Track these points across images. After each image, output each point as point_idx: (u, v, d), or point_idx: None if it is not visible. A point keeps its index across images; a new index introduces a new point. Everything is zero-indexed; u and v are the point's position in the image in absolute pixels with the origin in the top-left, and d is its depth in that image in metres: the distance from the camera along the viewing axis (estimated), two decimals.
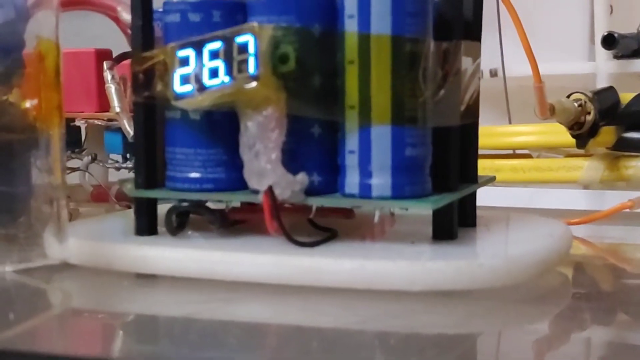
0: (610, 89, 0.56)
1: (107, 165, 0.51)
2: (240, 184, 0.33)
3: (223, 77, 0.32)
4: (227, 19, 0.33)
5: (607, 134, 0.56)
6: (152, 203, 0.35)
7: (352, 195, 0.32)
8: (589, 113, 0.52)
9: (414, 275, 0.29)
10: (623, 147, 0.56)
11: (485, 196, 0.55)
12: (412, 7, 0.31)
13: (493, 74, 0.66)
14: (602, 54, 0.60)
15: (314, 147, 0.33)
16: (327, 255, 0.31)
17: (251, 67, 0.31)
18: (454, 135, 0.33)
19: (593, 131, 0.53)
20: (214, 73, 0.32)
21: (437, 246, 0.32)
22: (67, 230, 0.34)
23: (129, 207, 0.46)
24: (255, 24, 0.32)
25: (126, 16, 0.37)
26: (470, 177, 0.36)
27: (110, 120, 0.50)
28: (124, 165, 0.50)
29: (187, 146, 0.34)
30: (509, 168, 0.61)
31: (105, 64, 0.48)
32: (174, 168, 0.34)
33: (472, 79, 0.35)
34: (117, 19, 0.39)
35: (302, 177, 0.32)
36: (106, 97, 0.48)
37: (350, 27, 0.31)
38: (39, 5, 0.37)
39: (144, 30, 0.34)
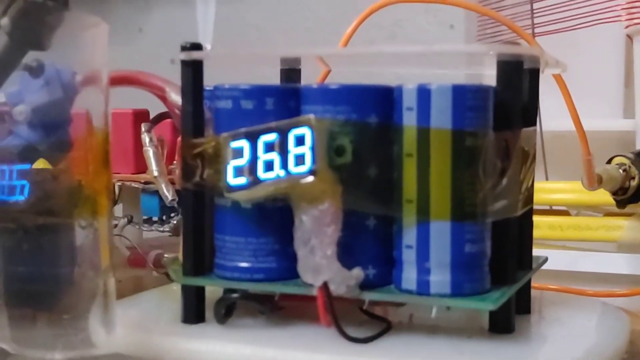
0: None
1: (144, 229, 0.50)
2: (290, 273, 0.32)
3: (278, 171, 0.31)
4: (280, 107, 0.32)
5: None
6: (201, 290, 0.34)
7: (409, 291, 0.31)
8: (634, 178, 0.51)
9: None
10: None
11: None
12: (473, 102, 0.30)
13: None
14: None
15: (369, 240, 0.32)
16: (384, 355, 0.30)
17: (308, 161, 0.30)
18: (513, 227, 0.32)
19: (637, 195, 0.52)
20: (269, 166, 0.31)
21: (494, 342, 0.31)
22: (115, 317, 0.33)
23: (167, 275, 0.45)
24: (312, 116, 0.31)
25: (175, 97, 0.37)
26: (525, 263, 0.35)
27: (147, 182, 0.49)
28: (161, 228, 0.50)
29: (238, 235, 0.33)
30: (547, 225, 0.60)
31: (143, 127, 0.47)
32: (224, 256, 0.33)
33: (529, 166, 0.34)
34: (164, 99, 0.38)
35: (357, 273, 0.31)
36: (143, 159, 0.47)
37: (409, 120, 0.31)
38: (87, 83, 0.36)
39: (194, 116, 0.33)
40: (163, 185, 0.46)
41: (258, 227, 0.33)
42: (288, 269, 0.32)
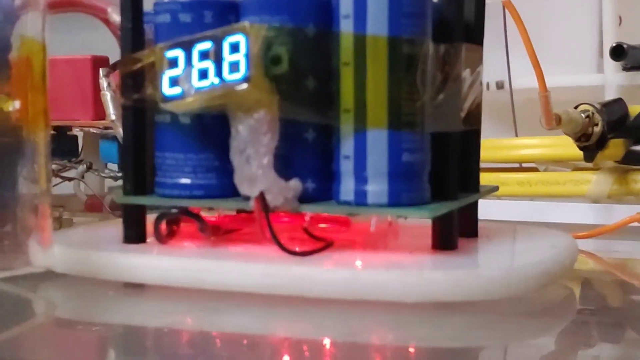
0: (619, 101, 0.55)
1: (103, 175, 0.50)
2: (232, 191, 0.32)
3: (213, 79, 0.30)
4: (218, 20, 0.32)
5: (616, 147, 0.55)
6: (141, 210, 0.33)
7: (347, 203, 0.31)
8: (597, 125, 0.51)
9: (409, 286, 0.28)
10: (632, 160, 0.55)
11: (489, 209, 0.54)
12: (410, 7, 0.30)
13: (499, 86, 0.65)
14: (611, 65, 0.59)
15: (307, 153, 0.31)
16: (319, 264, 0.30)
17: (242, 68, 0.30)
18: (454, 142, 0.32)
19: (601, 143, 0.51)
20: (203, 74, 0.31)
21: (435, 256, 0.31)
22: (52, 237, 0.33)
23: None
24: (246, 23, 0.30)
25: (116, 18, 0.36)
26: (471, 186, 0.35)
27: (106, 128, 0.49)
28: (120, 174, 0.49)
29: (177, 151, 0.32)
30: (515, 182, 0.60)
31: (101, 71, 0.47)
32: (164, 174, 0.33)
33: (473, 85, 0.34)
34: (107, 21, 0.38)
35: (295, 184, 0.31)
36: (102, 106, 0.47)
37: (346, 27, 0.30)
38: (25, 6, 0.36)
39: (133, 32, 0.33)
40: (121, 129, 0.46)
41: (197, 142, 0.32)
42: (229, 186, 0.32)
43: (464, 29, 0.32)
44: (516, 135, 0.64)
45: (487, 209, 0.54)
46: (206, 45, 0.31)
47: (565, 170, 0.59)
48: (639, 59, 0.58)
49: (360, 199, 0.30)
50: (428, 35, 0.31)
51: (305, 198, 0.31)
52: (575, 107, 0.52)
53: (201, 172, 0.32)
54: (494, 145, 0.61)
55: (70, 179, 0.50)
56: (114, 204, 0.46)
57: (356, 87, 0.30)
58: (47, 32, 0.34)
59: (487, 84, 0.65)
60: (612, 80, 0.59)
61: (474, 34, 0.34)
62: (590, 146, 0.51)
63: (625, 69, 0.59)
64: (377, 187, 0.30)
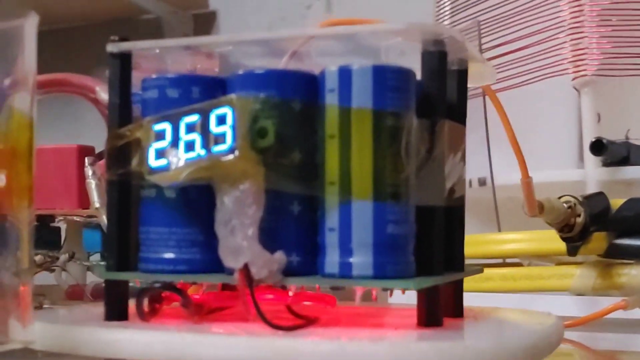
0: (600, 195, 0.55)
1: (85, 263, 0.49)
2: (216, 266, 0.32)
3: (199, 150, 0.31)
4: (206, 95, 0.32)
5: (598, 241, 0.55)
6: (124, 286, 0.33)
7: (332, 275, 0.31)
8: (579, 215, 0.51)
9: (396, 357, 0.28)
10: (615, 254, 0.55)
11: (474, 300, 0.54)
12: (394, 82, 0.31)
13: (482, 182, 0.66)
14: (591, 161, 0.60)
15: (293, 225, 0.31)
16: (305, 337, 0.29)
17: (228, 140, 0.30)
18: (438, 216, 0.32)
19: (583, 235, 0.52)
20: (190, 146, 0.31)
21: (421, 331, 0.31)
22: (32, 314, 0.32)
23: None
24: (233, 96, 0.31)
25: (104, 96, 0.37)
26: (456, 265, 0.35)
27: (89, 216, 0.49)
28: (103, 262, 0.49)
29: (162, 225, 0.32)
30: (499, 277, 0.60)
31: (86, 160, 0.47)
32: (148, 249, 0.33)
33: (457, 163, 0.34)
34: (96, 101, 0.38)
35: (280, 256, 0.31)
36: (86, 194, 0.47)
37: (331, 100, 0.31)
38: (15, 86, 0.36)
39: (120, 108, 0.33)
40: (104, 217, 0.46)
41: (182, 216, 0.32)
42: (212, 261, 0.32)
43: (446, 107, 0.33)
44: (499, 231, 0.64)
45: (472, 301, 0.54)
46: (193, 118, 0.31)
47: (549, 264, 0.59)
48: (618, 154, 0.59)
49: (345, 271, 0.30)
50: (412, 109, 0.31)
51: (290, 271, 0.31)
52: (558, 198, 0.52)
53: (185, 247, 0.32)
54: (477, 240, 0.61)
55: (51, 270, 0.50)
56: (96, 292, 0.46)
57: (341, 159, 0.30)
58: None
59: (470, 181, 0.66)
60: (592, 176, 0.60)
61: (456, 113, 0.35)
62: (574, 237, 0.51)
63: (605, 164, 0.60)
64: (362, 259, 0.30)
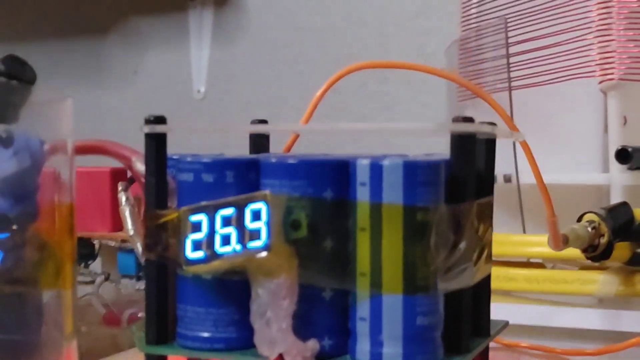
0: (624, 206, 0.56)
1: (120, 287, 0.51)
2: (250, 342, 0.33)
3: (235, 245, 0.32)
4: (240, 179, 0.33)
5: (622, 250, 0.56)
6: (163, 358, 0.35)
7: None
8: (603, 235, 0.52)
9: None
10: (638, 262, 0.56)
11: (500, 313, 0.55)
12: (424, 177, 0.31)
13: (507, 179, 0.66)
14: (617, 165, 0.60)
15: (325, 311, 0.33)
16: None
17: (263, 236, 0.31)
18: (467, 298, 0.33)
19: (607, 254, 0.52)
20: (225, 240, 0.32)
21: None
22: None
23: None
24: (267, 192, 0.32)
25: (140, 167, 0.38)
26: (482, 331, 0.36)
27: (124, 240, 0.50)
28: (137, 287, 0.51)
29: (199, 305, 0.34)
30: (523, 278, 0.61)
31: (119, 185, 0.48)
32: (185, 326, 0.34)
33: (485, 234, 0.35)
34: (131, 168, 0.39)
35: (312, 344, 0.32)
36: (120, 217, 0.48)
37: (362, 195, 0.31)
38: (54, 152, 0.37)
39: (157, 188, 0.34)
40: (139, 244, 0.47)
41: (218, 297, 0.33)
42: (248, 338, 0.33)
43: (475, 187, 0.33)
44: (523, 229, 0.65)
45: (498, 312, 0.56)
46: (229, 211, 0.32)
47: (572, 268, 0.60)
48: None
49: None
50: (441, 200, 0.32)
51: (322, 354, 0.32)
52: (580, 217, 0.53)
53: (222, 326, 0.33)
54: (502, 240, 0.62)
55: (87, 291, 0.52)
56: (132, 320, 0.48)
57: (372, 252, 0.31)
58: None
59: (495, 177, 0.66)
60: (617, 181, 0.60)
61: (485, 185, 0.36)
62: (597, 256, 0.52)
63: (631, 169, 0.60)
64: (392, 350, 0.31)
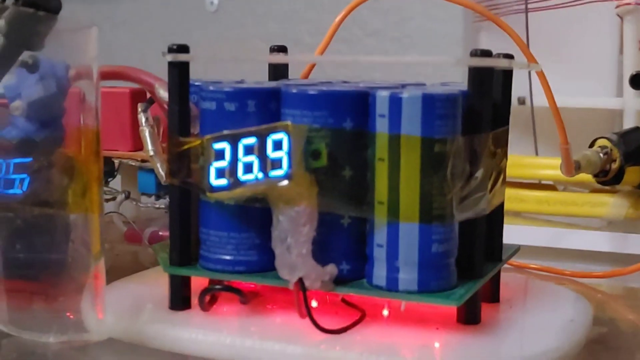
0: (636, 130, 0.56)
1: (140, 205, 0.52)
2: (270, 265, 0.34)
3: (257, 173, 0.33)
4: (261, 108, 0.34)
5: (633, 174, 0.57)
6: (186, 279, 0.36)
7: (379, 287, 0.33)
8: (615, 160, 0.52)
9: None
10: None
11: (510, 234, 0.56)
12: (442, 110, 0.32)
13: (521, 102, 0.67)
14: (630, 90, 0.60)
15: (343, 237, 0.34)
16: (354, 347, 0.32)
17: (284, 165, 0.32)
18: (481, 226, 0.34)
19: (618, 177, 0.53)
20: (248, 168, 0.33)
21: (459, 333, 0.33)
22: (105, 303, 0.35)
23: None
24: (289, 122, 0.32)
25: (163, 94, 0.38)
26: (495, 255, 0.37)
27: (143, 160, 0.51)
28: (157, 205, 0.52)
29: (221, 229, 0.35)
30: (534, 200, 0.62)
31: (139, 107, 0.49)
32: (208, 249, 0.35)
33: (500, 164, 0.36)
34: (153, 94, 0.40)
35: (331, 269, 0.33)
36: (140, 137, 0.49)
37: (382, 126, 0.32)
38: (79, 77, 0.38)
39: (180, 115, 0.35)
40: (158, 165, 0.48)
41: (240, 222, 0.35)
42: (268, 261, 0.34)
43: (492, 119, 0.34)
44: (536, 152, 0.66)
45: (509, 234, 0.57)
46: (251, 140, 0.33)
47: (583, 191, 0.61)
48: None
49: (392, 285, 0.33)
50: (459, 132, 0.33)
51: (340, 278, 0.34)
52: (592, 142, 0.54)
53: (243, 249, 0.35)
54: (514, 162, 0.63)
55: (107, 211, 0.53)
56: (153, 239, 0.49)
57: (390, 182, 0.32)
58: None
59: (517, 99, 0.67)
60: (631, 105, 0.60)
61: (501, 116, 0.36)
62: (608, 181, 0.53)
63: None
64: (408, 276, 0.33)
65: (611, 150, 0.53)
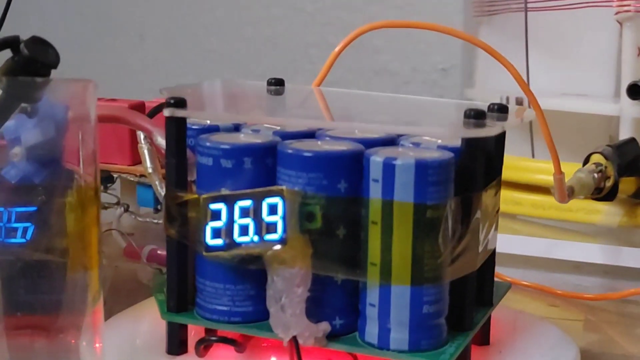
0: (632, 142, 0.57)
1: (139, 219, 0.53)
2: (265, 315, 0.35)
3: (252, 236, 0.33)
4: (257, 165, 0.35)
5: (628, 184, 0.57)
6: (183, 325, 0.37)
7: (371, 344, 0.34)
8: (609, 177, 0.53)
9: None
10: None
11: (504, 244, 0.57)
12: (434, 177, 0.32)
13: (519, 102, 0.67)
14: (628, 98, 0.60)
15: (337, 294, 0.35)
16: None
17: (279, 230, 0.33)
18: (471, 281, 0.35)
19: (612, 194, 0.54)
20: (244, 230, 0.33)
21: None
22: (103, 349, 0.36)
23: (160, 271, 0.48)
24: (284, 188, 0.33)
25: (160, 141, 0.39)
26: (485, 299, 0.38)
27: (142, 175, 0.52)
28: (155, 221, 0.52)
29: (217, 281, 0.36)
30: (529, 203, 0.63)
31: None
32: (204, 298, 0.36)
33: (492, 217, 0.36)
34: (152, 141, 0.40)
35: (324, 326, 0.34)
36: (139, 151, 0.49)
37: (375, 191, 0.33)
38: (77, 120, 0.38)
39: (177, 169, 0.35)
40: (157, 182, 0.48)
41: (236, 275, 0.35)
42: (263, 311, 0.35)
43: (484, 178, 0.35)
44: (532, 154, 0.66)
45: (502, 243, 0.58)
46: (246, 202, 0.33)
47: (578, 197, 0.62)
48: None
49: (383, 344, 0.34)
50: (451, 195, 0.33)
51: (333, 333, 0.34)
52: (587, 158, 0.54)
53: (239, 301, 0.35)
54: (511, 164, 0.63)
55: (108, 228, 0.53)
56: (151, 257, 0.50)
57: (382, 245, 0.33)
58: None
59: (507, 99, 0.67)
60: (628, 113, 0.61)
61: (494, 172, 0.37)
62: (601, 198, 0.54)
63: None
64: (398, 336, 0.33)
65: (605, 167, 0.53)
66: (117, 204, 0.53)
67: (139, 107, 0.52)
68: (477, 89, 0.73)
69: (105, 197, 0.56)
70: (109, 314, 0.43)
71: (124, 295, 0.49)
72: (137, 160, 0.52)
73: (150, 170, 0.48)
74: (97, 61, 1.03)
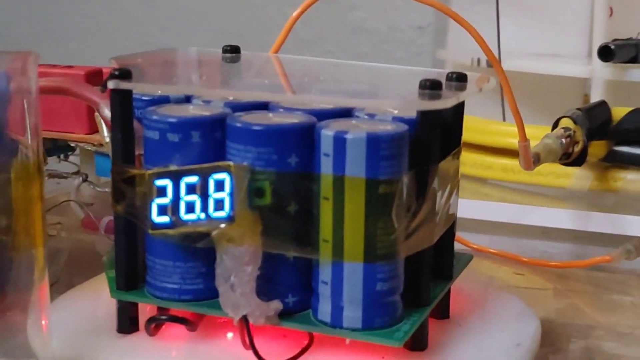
0: (602, 105, 0.56)
1: (98, 189, 0.51)
2: (217, 293, 0.34)
3: (199, 214, 0.32)
4: (206, 139, 0.33)
5: (598, 147, 0.57)
6: (133, 303, 0.36)
7: (324, 323, 0.33)
8: (577, 143, 0.52)
9: None
10: (613, 160, 0.57)
11: (472, 209, 0.56)
12: (387, 151, 0.31)
13: (489, 64, 0.66)
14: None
15: (289, 271, 0.33)
16: None
17: (227, 207, 0.32)
18: (428, 255, 0.34)
19: (581, 159, 0.53)
20: (190, 207, 0.32)
21: None
22: (51, 327, 0.35)
23: None
24: (231, 163, 0.32)
25: (107, 113, 0.37)
26: (445, 273, 0.37)
27: (101, 144, 0.50)
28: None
29: (166, 259, 0.34)
30: (500, 167, 0.62)
31: None
32: (154, 276, 0.35)
33: (451, 190, 0.35)
34: (99, 112, 0.39)
35: (276, 305, 0.33)
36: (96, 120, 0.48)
37: (326, 166, 0.32)
38: (19, 92, 0.37)
39: (123, 143, 0.34)
40: None
41: (185, 252, 0.34)
42: (215, 289, 0.34)
43: (439, 151, 0.34)
44: (503, 117, 0.65)
45: (471, 208, 0.57)
46: (193, 179, 0.32)
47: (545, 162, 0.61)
48: (627, 55, 0.59)
49: (336, 322, 0.33)
50: (404, 170, 0.32)
51: (286, 310, 0.33)
52: (556, 122, 0.53)
53: (189, 278, 0.34)
54: (480, 128, 0.63)
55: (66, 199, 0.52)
56: (109, 228, 0.49)
57: (334, 221, 0.32)
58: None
59: (478, 60, 0.66)
60: (599, 75, 0.60)
61: (453, 144, 0.36)
62: (569, 163, 0.53)
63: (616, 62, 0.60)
64: (352, 314, 0.33)
65: (574, 132, 0.52)
66: (77, 173, 0.52)
67: (95, 74, 0.51)
68: (449, 50, 0.71)
69: (65, 166, 0.54)
70: (66, 287, 0.42)
71: (83, 268, 0.48)
72: (95, 129, 0.51)
73: (107, 140, 0.47)
74: (68, 19, 1.01)
